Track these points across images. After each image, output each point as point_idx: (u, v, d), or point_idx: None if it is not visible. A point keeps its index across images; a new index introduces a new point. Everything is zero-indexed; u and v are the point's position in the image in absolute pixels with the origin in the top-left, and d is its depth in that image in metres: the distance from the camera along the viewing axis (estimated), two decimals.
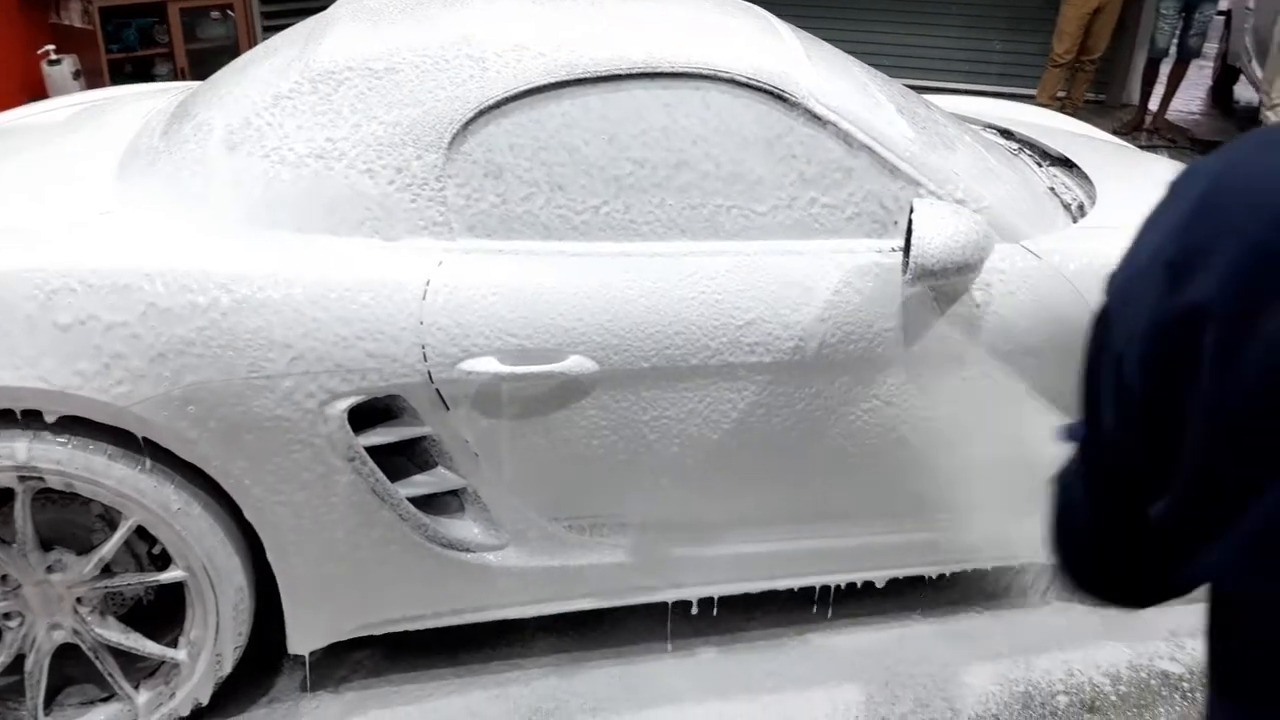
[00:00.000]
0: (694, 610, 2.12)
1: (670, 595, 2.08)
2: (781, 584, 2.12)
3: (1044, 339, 1.94)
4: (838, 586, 2.19)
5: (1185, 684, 2.12)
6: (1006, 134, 2.81)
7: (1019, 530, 2.18)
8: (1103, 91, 7.23)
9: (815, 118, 1.91)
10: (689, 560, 2.04)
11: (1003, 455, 2.05)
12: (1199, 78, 7.23)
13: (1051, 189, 2.34)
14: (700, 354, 1.83)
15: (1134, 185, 2.38)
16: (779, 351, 1.85)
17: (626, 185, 1.85)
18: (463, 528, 1.92)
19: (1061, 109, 6.43)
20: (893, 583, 2.21)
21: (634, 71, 1.85)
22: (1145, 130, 6.48)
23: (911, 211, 1.78)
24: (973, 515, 2.12)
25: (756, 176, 1.89)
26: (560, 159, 1.84)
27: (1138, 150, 3.20)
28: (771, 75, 1.89)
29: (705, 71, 1.87)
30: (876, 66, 2.40)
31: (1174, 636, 2.25)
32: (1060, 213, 2.20)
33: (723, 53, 1.90)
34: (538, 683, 2.10)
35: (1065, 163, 2.55)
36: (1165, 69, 6.42)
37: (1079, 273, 1.96)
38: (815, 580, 2.14)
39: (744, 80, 1.88)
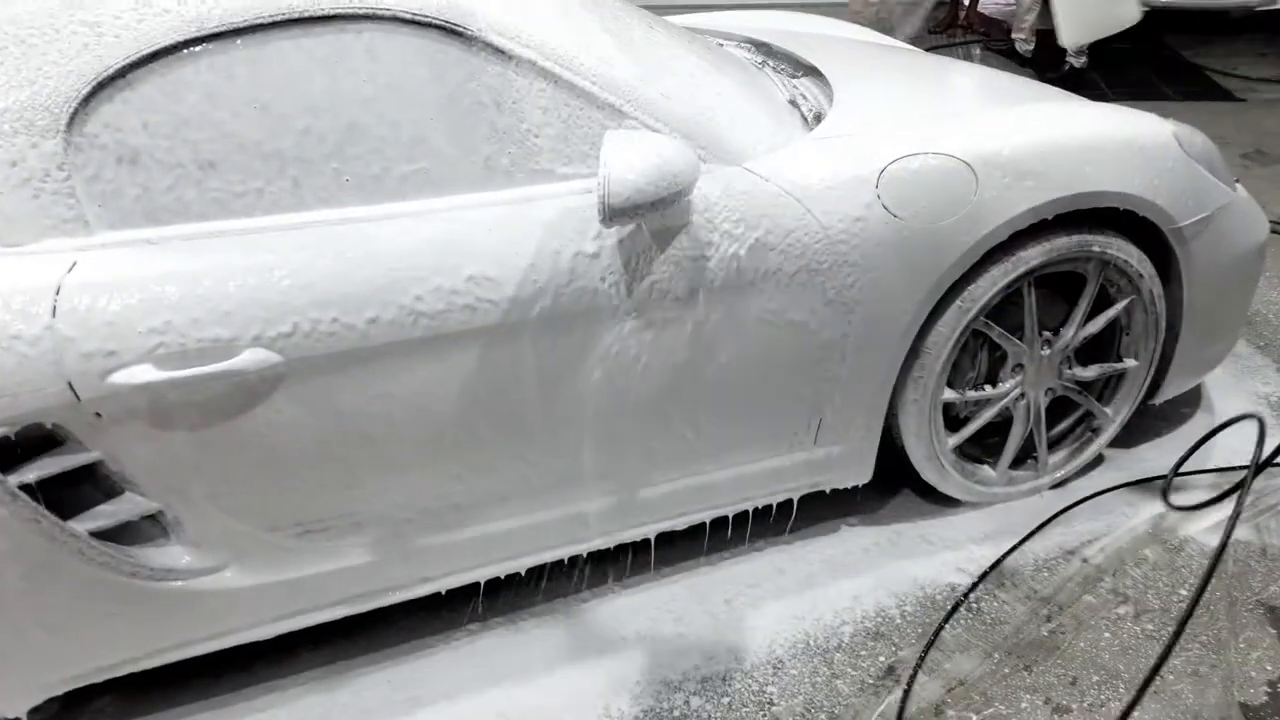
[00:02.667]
0: (443, 593, 1.97)
1: (421, 590, 1.93)
2: (543, 558, 1.99)
3: (774, 262, 1.82)
4: (610, 549, 2.07)
5: (971, 596, 2.08)
6: (763, 47, 2.67)
7: (789, 462, 2.10)
8: None
9: (501, 53, 1.72)
10: (436, 549, 1.88)
11: (755, 389, 1.95)
12: None
13: (793, 102, 2.21)
14: (399, 330, 1.65)
15: (874, 90, 2.27)
16: (489, 315, 1.69)
17: (291, 159, 1.64)
18: (168, 555, 1.72)
19: (876, 13, 6.38)
20: (666, 536, 2.10)
21: (277, 19, 1.63)
22: (960, 26, 6.49)
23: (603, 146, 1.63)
24: (735, 453, 2.03)
25: (443, 132, 1.70)
26: (207, 135, 1.61)
27: (918, 53, 3.10)
28: (441, 7, 1.70)
29: (361, 10, 1.66)
30: None
31: (961, 545, 2.21)
32: (799, 127, 2.08)
33: None
34: (299, 701, 1.93)
35: (818, 73, 2.43)
36: None
37: (806, 190, 1.85)
38: (578, 549, 2.02)
39: (409, 17, 1.68)
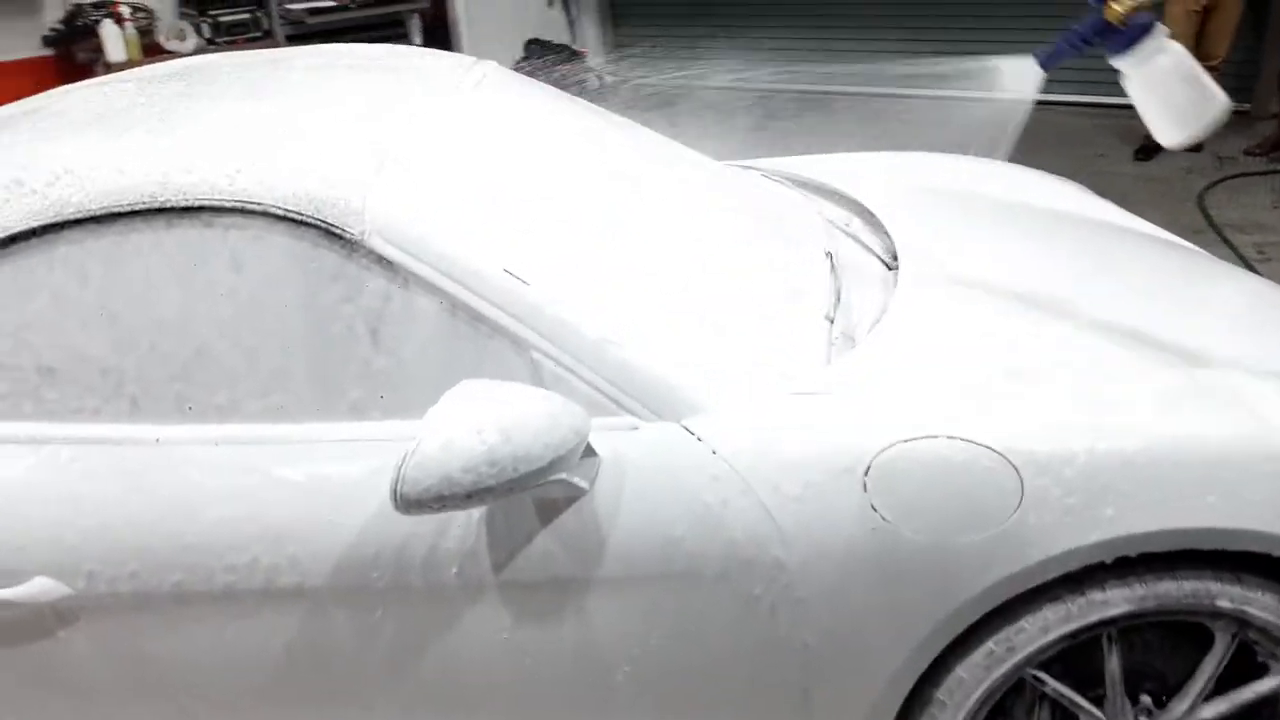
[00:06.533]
0: None
1: None
2: None
3: (701, 573, 1.35)
4: None
5: None
6: (872, 220, 2.14)
7: None
8: (1246, 99, 6.01)
9: (386, 264, 1.41)
10: None
11: (665, 684, 1.49)
12: None
13: (830, 317, 1.69)
14: (225, 574, 1.38)
15: (962, 311, 1.71)
16: (315, 593, 1.38)
17: (131, 378, 1.43)
18: None
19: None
20: None
21: (138, 207, 1.41)
22: None
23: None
24: None
25: (304, 365, 1.42)
26: (51, 341, 1.43)
27: (1150, 244, 2.23)
28: (320, 203, 1.41)
29: (229, 203, 1.41)
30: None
31: None
32: (814, 359, 1.57)
33: (256, 171, 1.44)
34: None
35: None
36: None
37: (762, 472, 1.35)
38: None
39: (281, 212, 1.41)
